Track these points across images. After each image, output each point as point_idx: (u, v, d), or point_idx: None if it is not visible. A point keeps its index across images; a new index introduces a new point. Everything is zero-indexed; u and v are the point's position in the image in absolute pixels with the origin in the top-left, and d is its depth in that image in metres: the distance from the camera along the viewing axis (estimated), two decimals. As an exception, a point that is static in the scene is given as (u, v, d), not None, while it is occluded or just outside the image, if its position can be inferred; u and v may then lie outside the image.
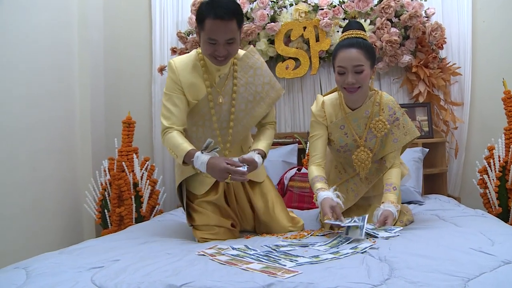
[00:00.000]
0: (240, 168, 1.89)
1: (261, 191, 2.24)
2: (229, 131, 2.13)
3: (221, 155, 2.03)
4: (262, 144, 2.13)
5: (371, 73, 2.06)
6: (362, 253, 1.58)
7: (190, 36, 3.51)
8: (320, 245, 1.70)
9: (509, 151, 2.73)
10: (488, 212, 2.69)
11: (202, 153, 1.92)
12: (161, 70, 3.55)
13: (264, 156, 2.10)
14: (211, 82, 2.10)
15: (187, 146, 1.97)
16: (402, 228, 1.94)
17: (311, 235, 1.97)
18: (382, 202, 2.01)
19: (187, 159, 1.95)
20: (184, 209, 2.18)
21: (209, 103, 2.09)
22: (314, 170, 2.12)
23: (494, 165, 2.77)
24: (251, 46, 2.26)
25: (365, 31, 2.11)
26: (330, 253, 1.58)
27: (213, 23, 1.91)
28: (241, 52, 2.17)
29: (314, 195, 2.06)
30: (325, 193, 1.98)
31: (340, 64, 2.02)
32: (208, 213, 2.12)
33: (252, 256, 1.58)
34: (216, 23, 1.91)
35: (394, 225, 1.96)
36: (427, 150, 3.21)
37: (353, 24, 2.12)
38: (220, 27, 1.92)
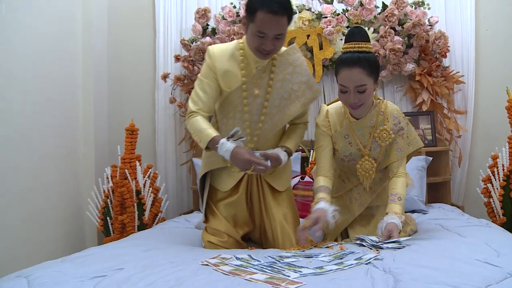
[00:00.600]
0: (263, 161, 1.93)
1: (278, 203, 2.20)
2: (259, 125, 2.12)
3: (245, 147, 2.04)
4: (290, 142, 2.16)
5: (374, 87, 2.04)
6: (366, 264, 1.57)
7: (194, 43, 3.52)
8: (324, 256, 1.69)
9: (514, 160, 2.73)
10: (492, 221, 2.68)
11: (228, 140, 1.93)
12: (165, 77, 3.56)
13: (290, 154, 2.12)
14: (247, 73, 2.08)
15: (212, 132, 1.98)
16: (408, 238, 1.91)
17: (314, 246, 1.96)
18: (386, 213, 1.98)
19: (211, 144, 1.97)
20: (202, 203, 2.20)
21: (243, 93, 2.07)
22: (321, 180, 2.10)
23: (498, 174, 2.76)
24: (294, 43, 2.24)
25: (368, 39, 2.03)
26: (335, 264, 1.57)
27: (265, 17, 1.89)
28: (282, 48, 2.13)
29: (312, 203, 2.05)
30: (324, 205, 1.97)
31: (342, 83, 1.99)
32: (222, 220, 2.13)
33: (256, 267, 1.57)
34: (269, 17, 1.89)
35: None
36: (430, 158, 3.20)
37: (356, 33, 2.02)
38: (272, 21, 1.90)
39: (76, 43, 3.18)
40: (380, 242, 1.85)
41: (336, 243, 2.01)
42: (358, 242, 1.93)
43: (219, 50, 2.10)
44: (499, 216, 2.73)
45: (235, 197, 2.16)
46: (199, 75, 2.12)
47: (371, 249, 1.78)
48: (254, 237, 2.27)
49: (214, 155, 2.10)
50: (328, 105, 2.24)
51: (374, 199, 2.22)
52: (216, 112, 2.19)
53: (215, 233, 2.11)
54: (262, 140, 2.14)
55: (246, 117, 2.09)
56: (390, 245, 1.79)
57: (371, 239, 1.88)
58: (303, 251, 1.84)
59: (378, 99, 2.15)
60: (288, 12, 1.94)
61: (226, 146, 1.91)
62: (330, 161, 2.15)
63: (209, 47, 2.11)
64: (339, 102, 2.19)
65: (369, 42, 2.04)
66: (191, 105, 2.08)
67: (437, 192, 3.38)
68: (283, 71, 2.11)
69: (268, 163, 1.95)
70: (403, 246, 1.78)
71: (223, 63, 2.07)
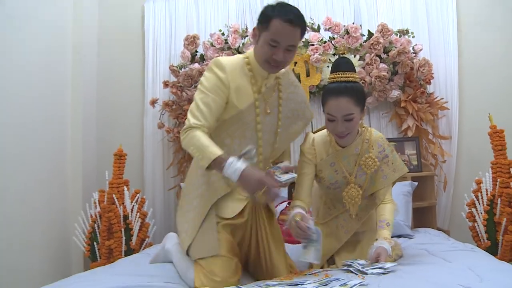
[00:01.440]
0: (281, 178, 1.84)
1: (273, 236, 2.12)
2: (274, 145, 2.08)
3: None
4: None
5: (361, 116, 2.07)
6: (351, 290, 1.58)
7: (182, 69, 3.56)
8: (309, 283, 1.70)
9: (496, 184, 2.77)
10: (477, 245, 2.70)
11: (240, 159, 1.78)
12: (153, 103, 3.58)
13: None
14: (258, 89, 2.00)
15: (217, 150, 1.79)
16: (395, 264, 1.91)
17: (299, 275, 1.95)
18: (376, 239, 2.00)
19: (216, 164, 1.78)
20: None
21: (256, 110, 1.98)
22: (298, 202, 2.10)
23: (482, 198, 2.80)
24: (287, 67, 2.24)
25: (354, 69, 2.08)
26: (320, 291, 1.58)
27: (280, 25, 1.86)
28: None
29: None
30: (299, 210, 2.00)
31: (329, 112, 2.02)
32: (217, 262, 1.90)
33: (242, 294, 1.57)
34: (284, 26, 1.86)
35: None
36: (416, 183, 3.24)
37: (342, 64, 2.06)
38: (286, 31, 1.87)
39: (66, 68, 3.20)
40: (366, 266, 1.86)
41: (322, 270, 2.02)
42: (345, 268, 1.93)
43: (230, 63, 1.96)
44: (483, 240, 2.76)
45: (242, 220, 2.03)
46: (201, 87, 1.94)
47: (356, 274, 1.80)
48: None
49: (219, 180, 1.96)
50: (314, 132, 2.26)
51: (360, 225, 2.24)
52: (213, 133, 1.96)
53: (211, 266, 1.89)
54: (272, 159, 2.12)
55: (259, 135, 2.00)
56: (375, 271, 1.80)
57: (358, 263, 1.89)
58: (288, 281, 1.83)
59: (363, 127, 2.19)
60: (302, 24, 1.92)
61: (236, 165, 1.74)
62: (309, 189, 2.15)
63: (218, 58, 1.97)
64: (325, 130, 2.21)
65: (355, 72, 2.08)
66: (191, 119, 1.88)
67: (423, 216, 3.41)
68: (287, 90, 2.10)
69: (295, 174, 1.91)
70: (387, 272, 1.79)
71: (235, 77, 1.95)
